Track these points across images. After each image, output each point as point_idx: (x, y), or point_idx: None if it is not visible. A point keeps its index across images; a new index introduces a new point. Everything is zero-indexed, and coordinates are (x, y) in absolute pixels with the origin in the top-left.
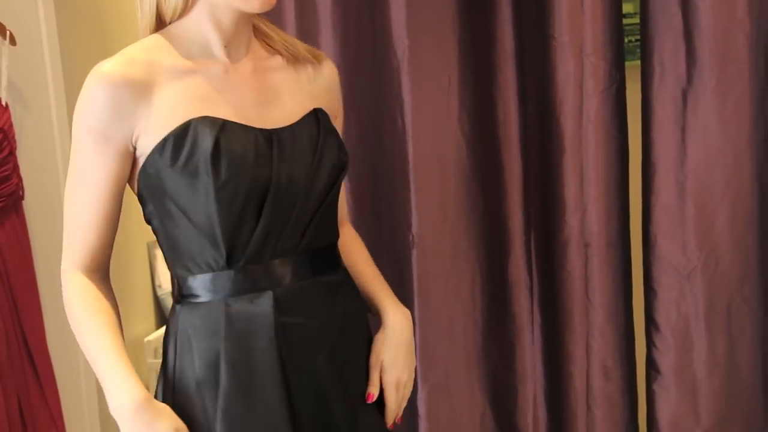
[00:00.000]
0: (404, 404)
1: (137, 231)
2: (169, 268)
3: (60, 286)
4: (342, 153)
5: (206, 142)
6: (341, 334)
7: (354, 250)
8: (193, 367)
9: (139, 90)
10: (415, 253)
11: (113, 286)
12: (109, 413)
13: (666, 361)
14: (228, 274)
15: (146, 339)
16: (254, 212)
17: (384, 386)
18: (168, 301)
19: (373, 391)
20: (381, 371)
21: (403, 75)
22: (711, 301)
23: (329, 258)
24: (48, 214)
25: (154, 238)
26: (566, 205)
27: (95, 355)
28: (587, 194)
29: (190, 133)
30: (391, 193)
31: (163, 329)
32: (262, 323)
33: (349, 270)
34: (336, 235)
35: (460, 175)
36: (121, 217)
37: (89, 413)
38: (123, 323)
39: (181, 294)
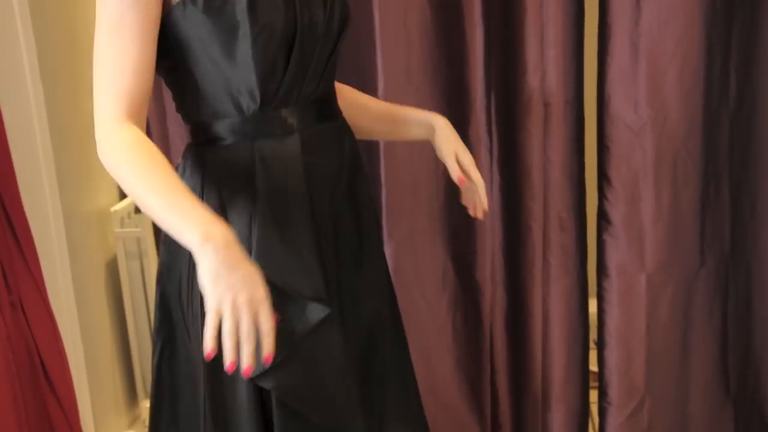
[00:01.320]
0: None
1: None
2: (185, 116)
3: None
4: (346, 5)
5: None
6: (352, 172)
7: (357, 94)
8: (222, 206)
9: None
10: None
11: (75, 161)
12: (79, 267)
13: (616, 212)
14: (260, 118)
15: (112, 209)
16: (285, 56)
17: (467, 168)
18: None
19: (460, 175)
20: (457, 158)
21: None
22: (659, 155)
23: (333, 105)
24: (13, 86)
25: None
26: (527, 66)
27: (171, 198)
28: (547, 55)
29: None
30: (357, 56)
31: (127, 200)
32: (291, 162)
33: (365, 108)
34: (334, 85)
35: (424, 40)
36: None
37: (62, 270)
38: (86, 196)
39: (207, 138)
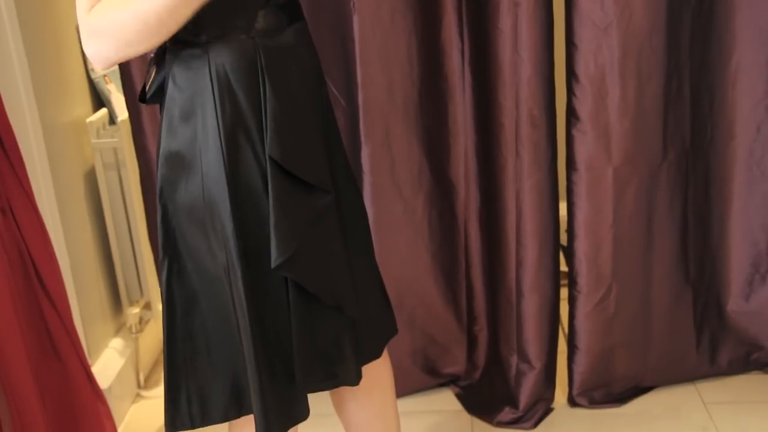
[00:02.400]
0: None
1: (67, 17)
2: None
3: None
4: None
5: None
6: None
7: None
8: (235, 102)
9: None
10: (356, 18)
11: (50, 74)
12: (60, 178)
13: (584, 108)
14: (262, 13)
15: (88, 120)
16: None
17: None
18: (102, 85)
19: None
20: None
21: None
22: (624, 52)
23: (299, 7)
24: None
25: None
26: None
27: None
28: None
29: None
30: None
31: (100, 112)
32: (289, 53)
33: None
34: None
35: None
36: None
37: (44, 180)
38: (62, 108)
39: (208, 36)
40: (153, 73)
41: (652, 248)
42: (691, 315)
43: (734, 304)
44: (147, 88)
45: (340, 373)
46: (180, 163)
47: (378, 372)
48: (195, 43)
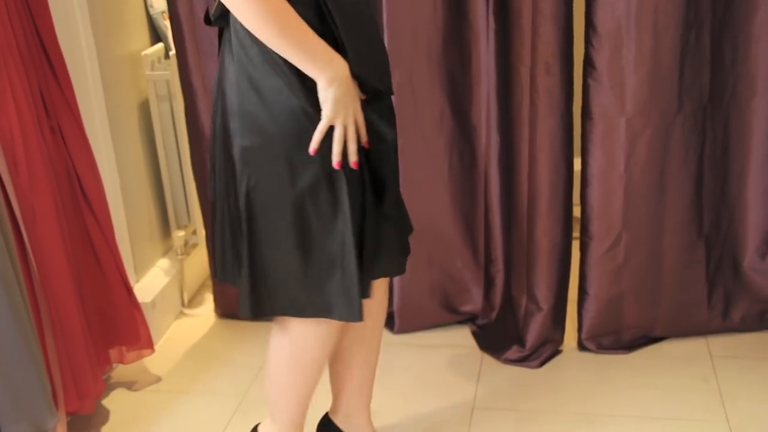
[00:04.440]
0: None
1: None
2: None
3: None
4: None
5: None
6: None
7: None
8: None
9: None
10: None
11: (108, 8)
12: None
13: (600, 58)
14: None
15: (143, 53)
16: None
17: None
18: (159, 21)
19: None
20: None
21: None
22: (641, 2)
23: None
24: None
25: None
26: None
27: (311, 38)
28: None
29: None
30: None
31: (157, 46)
32: None
33: None
34: None
35: None
36: None
37: (98, 108)
38: (119, 41)
39: None
40: None
41: (665, 200)
42: (704, 269)
43: (750, 261)
44: (212, 11)
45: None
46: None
47: (379, 294)
48: None
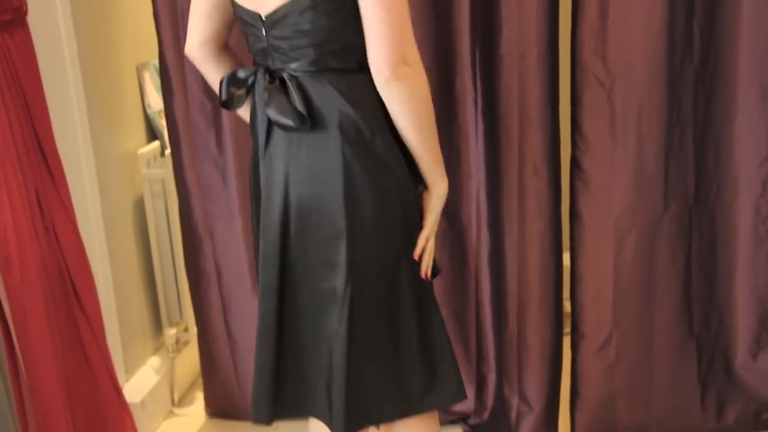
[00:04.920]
0: None
1: (127, 54)
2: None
3: None
4: None
5: None
6: None
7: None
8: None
9: None
10: None
11: (106, 108)
12: (109, 205)
13: (586, 159)
14: None
15: (139, 152)
16: None
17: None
18: (156, 120)
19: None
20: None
21: None
22: (625, 107)
23: None
24: (47, 33)
25: (143, 60)
26: (502, 23)
27: (438, 150)
28: (521, 15)
29: None
30: None
31: (153, 144)
32: None
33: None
34: None
35: (416, 2)
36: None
37: (93, 206)
38: (116, 139)
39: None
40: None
41: (654, 299)
42: (696, 369)
43: (742, 361)
44: (230, 97)
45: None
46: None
47: None
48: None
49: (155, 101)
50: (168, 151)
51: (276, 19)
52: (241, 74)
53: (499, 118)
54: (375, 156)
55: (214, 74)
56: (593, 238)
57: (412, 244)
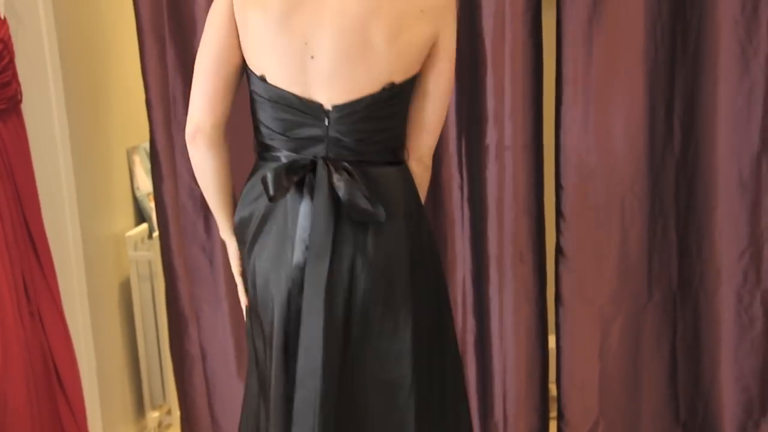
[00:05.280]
0: None
1: (118, 138)
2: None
3: None
4: None
5: None
6: None
7: None
8: None
9: None
10: None
11: (95, 190)
12: (95, 287)
13: (570, 247)
14: None
15: (127, 234)
16: None
17: None
18: (144, 202)
19: None
20: None
21: None
22: (608, 197)
23: None
24: (40, 118)
25: (133, 144)
26: (488, 115)
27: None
28: (506, 107)
29: None
30: None
31: (141, 227)
32: None
33: None
34: None
35: None
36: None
37: (79, 288)
38: (105, 221)
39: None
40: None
41: (640, 386)
42: None
43: None
44: (281, 189)
45: None
46: None
47: None
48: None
49: (144, 184)
50: (156, 234)
51: (349, 111)
52: (300, 163)
53: (485, 205)
54: (428, 239)
55: (219, 160)
56: (578, 325)
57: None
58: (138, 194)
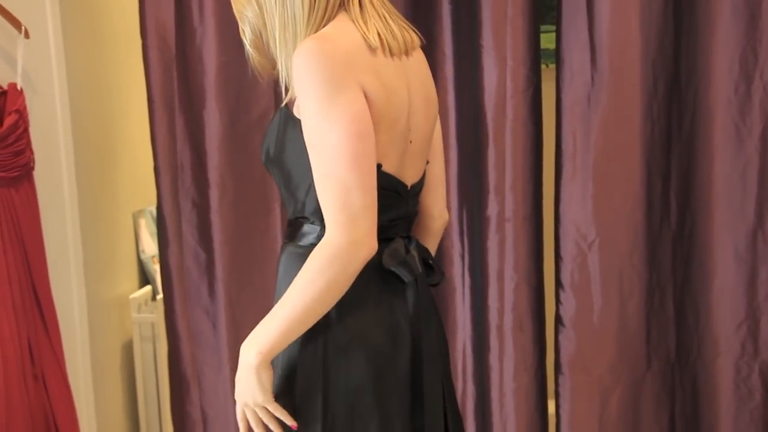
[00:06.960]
0: None
1: (124, 201)
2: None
3: None
4: None
5: None
6: None
7: None
8: None
9: None
10: None
11: (101, 252)
12: (98, 348)
13: (569, 316)
14: None
15: (131, 296)
16: None
17: None
18: (149, 265)
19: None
20: None
21: None
22: (606, 268)
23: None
24: (51, 183)
25: (139, 208)
26: (489, 187)
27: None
28: (507, 179)
29: None
30: None
31: (144, 289)
32: None
33: None
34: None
35: None
36: (108, 187)
37: (81, 349)
38: (109, 283)
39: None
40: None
41: None
42: None
43: None
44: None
45: None
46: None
47: None
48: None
49: (149, 247)
50: (159, 296)
51: (420, 188)
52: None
53: (486, 275)
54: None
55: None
56: (578, 394)
57: None
58: (143, 257)
